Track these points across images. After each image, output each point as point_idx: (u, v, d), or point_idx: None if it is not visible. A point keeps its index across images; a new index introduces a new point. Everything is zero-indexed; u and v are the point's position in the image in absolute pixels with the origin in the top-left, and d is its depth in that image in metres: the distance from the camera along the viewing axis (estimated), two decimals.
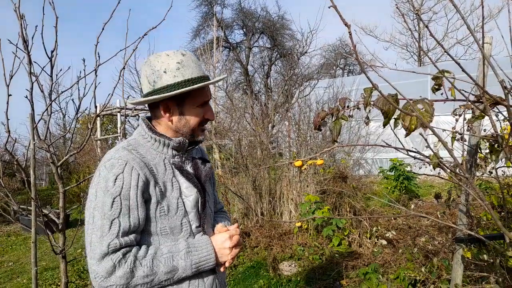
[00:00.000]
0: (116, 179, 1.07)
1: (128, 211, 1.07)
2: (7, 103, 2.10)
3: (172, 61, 1.16)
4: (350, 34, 0.97)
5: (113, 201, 1.06)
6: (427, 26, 0.97)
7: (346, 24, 0.95)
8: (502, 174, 2.56)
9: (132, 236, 1.09)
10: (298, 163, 1.33)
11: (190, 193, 1.21)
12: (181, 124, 1.21)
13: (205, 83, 1.17)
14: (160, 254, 1.10)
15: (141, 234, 1.15)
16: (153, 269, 1.07)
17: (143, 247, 1.11)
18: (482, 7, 0.93)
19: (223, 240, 1.22)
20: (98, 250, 1.03)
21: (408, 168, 6.68)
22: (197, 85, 1.15)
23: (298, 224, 4.70)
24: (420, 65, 18.23)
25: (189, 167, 1.27)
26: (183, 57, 1.18)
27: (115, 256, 1.03)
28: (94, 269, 1.03)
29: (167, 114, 1.20)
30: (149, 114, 1.29)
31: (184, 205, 1.19)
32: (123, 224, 1.06)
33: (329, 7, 0.92)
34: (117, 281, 1.02)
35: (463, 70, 1.05)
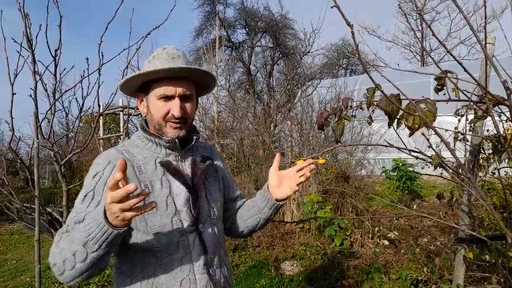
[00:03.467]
0: (95, 175, 1.10)
1: (97, 205, 1.06)
2: (12, 102, 2.11)
3: (152, 55, 1.21)
4: (353, 34, 0.97)
5: (86, 195, 1.08)
6: (429, 26, 0.97)
7: (348, 24, 0.95)
8: (505, 175, 2.55)
9: None
10: (300, 162, 1.32)
11: (180, 191, 1.18)
12: (149, 117, 1.22)
13: (142, 71, 1.13)
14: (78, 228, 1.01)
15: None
16: (72, 236, 0.98)
17: None
18: (485, 7, 0.93)
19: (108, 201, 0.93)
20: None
21: (411, 169, 6.66)
22: (137, 73, 1.13)
23: (301, 224, 4.70)
24: (423, 65, 18.16)
25: (187, 166, 1.24)
26: (162, 50, 1.20)
27: (57, 236, 1.03)
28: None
29: (142, 106, 1.24)
30: None
31: (174, 203, 1.15)
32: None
33: (331, 7, 0.93)
34: (51, 260, 1.00)
35: (466, 70, 1.05)
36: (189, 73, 1.19)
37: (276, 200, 1.29)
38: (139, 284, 1.12)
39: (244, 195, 1.55)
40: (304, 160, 1.35)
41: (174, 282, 1.12)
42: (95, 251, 0.94)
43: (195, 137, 1.26)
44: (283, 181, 1.28)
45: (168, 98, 1.16)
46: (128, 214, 0.89)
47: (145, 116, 1.29)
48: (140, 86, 1.21)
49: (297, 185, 1.25)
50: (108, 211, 0.90)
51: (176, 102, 1.16)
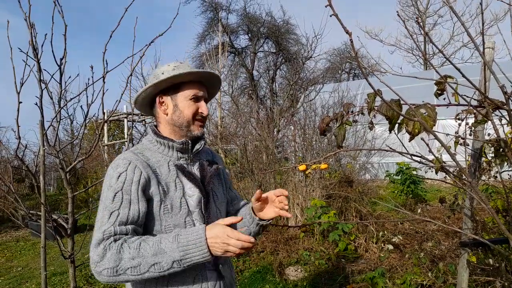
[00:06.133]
0: (119, 176, 1.16)
1: (129, 204, 1.13)
2: (18, 110, 2.15)
3: (170, 66, 1.32)
4: (352, 42, 0.99)
5: (115, 195, 1.14)
6: (427, 34, 0.98)
7: (347, 32, 0.97)
8: (508, 178, 2.55)
9: (130, 227, 1.12)
10: (302, 167, 1.34)
11: (193, 193, 1.27)
12: (176, 116, 1.30)
13: (187, 71, 1.26)
14: (150, 239, 1.10)
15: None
16: (140, 251, 1.05)
17: (137, 236, 1.13)
18: (482, 14, 0.95)
19: (222, 231, 1.06)
20: (95, 237, 1.08)
21: (415, 172, 6.63)
22: (179, 72, 1.24)
23: (304, 229, 4.69)
24: (426, 69, 18.15)
25: (195, 169, 1.34)
26: (180, 64, 1.33)
27: (108, 241, 1.07)
28: (91, 256, 1.07)
29: (163, 107, 1.31)
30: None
31: (187, 204, 1.25)
32: (122, 215, 1.11)
33: (330, 16, 0.94)
34: (106, 264, 1.04)
35: (464, 76, 1.07)
36: (207, 79, 1.36)
37: (261, 219, 1.36)
38: (155, 281, 1.18)
39: (243, 199, 1.61)
40: (307, 165, 1.37)
41: (187, 279, 1.19)
42: (180, 268, 1.06)
43: (203, 142, 1.38)
44: (265, 205, 1.35)
45: (197, 99, 1.32)
46: (237, 251, 1.05)
47: (154, 121, 1.40)
48: (163, 88, 1.31)
49: (280, 209, 1.32)
50: (220, 241, 1.04)
51: (203, 103, 1.34)
